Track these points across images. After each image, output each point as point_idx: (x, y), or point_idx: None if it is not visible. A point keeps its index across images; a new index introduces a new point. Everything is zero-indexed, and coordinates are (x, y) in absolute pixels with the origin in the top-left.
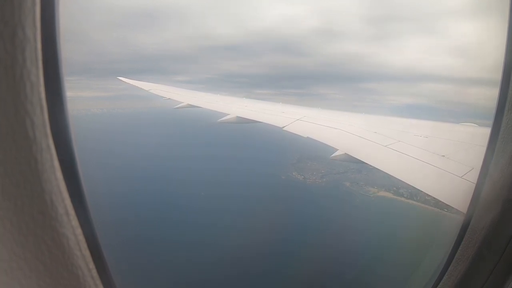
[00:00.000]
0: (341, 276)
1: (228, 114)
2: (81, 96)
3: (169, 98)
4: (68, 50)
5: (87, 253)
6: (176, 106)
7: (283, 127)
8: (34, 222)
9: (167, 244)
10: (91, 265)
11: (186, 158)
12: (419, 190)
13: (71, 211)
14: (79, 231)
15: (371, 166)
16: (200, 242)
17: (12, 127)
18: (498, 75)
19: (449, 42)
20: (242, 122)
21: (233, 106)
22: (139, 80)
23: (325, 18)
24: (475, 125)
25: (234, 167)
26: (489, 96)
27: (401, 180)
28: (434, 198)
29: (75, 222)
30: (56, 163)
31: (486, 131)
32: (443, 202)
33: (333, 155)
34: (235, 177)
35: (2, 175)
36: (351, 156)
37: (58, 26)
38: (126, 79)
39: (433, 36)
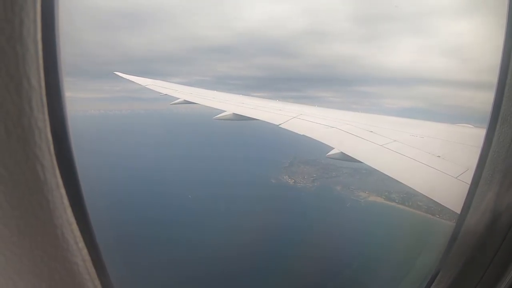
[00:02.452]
0: (327, 284)
1: (225, 111)
2: (78, 97)
3: (165, 94)
4: (64, 52)
5: (93, 271)
6: (173, 102)
7: (279, 124)
8: (47, 255)
9: (171, 253)
10: (97, 282)
11: (182, 158)
12: (414, 190)
13: (80, 240)
14: (86, 255)
15: (366, 165)
16: (193, 242)
17: (24, 173)
18: (495, 78)
19: (446, 43)
20: (238, 119)
21: (229, 103)
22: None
23: (315, 18)
24: (471, 126)
25: (226, 168)
26: (486, 99)
27: (395, 180)
28: (429, 198)
29: (83, 247)
30: (66, 200)
31: (482, 132)
32: (437, 202)
33: (329, 153)
34: (226, 178)
35: (17, 218)
36: (347, 155)
37: (61, 68)
38: (123, 74)
39: (429, 37)
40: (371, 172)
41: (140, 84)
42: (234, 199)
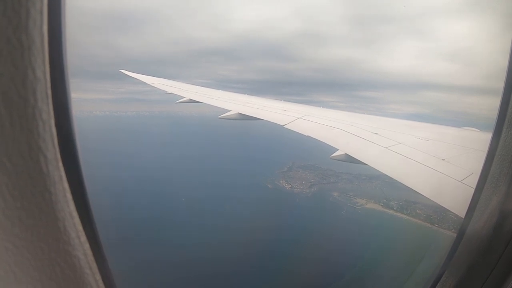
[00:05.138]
0: None
1: (230, 110)
2: (81, 98)
3: (171, 93)
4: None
5: (94, 266)
6: (178, 101)
7: (284, 125)
8: (49, 248)
9: (171, 250)
10: (98, 277)
11: (184, 159)
12: (413, 197)
13: (82, 234)
14: (88, 249)
15: (367, 170)
16: (188, 240)
17: (27, 164)
18: (500, 81)
19: (450, 46)
20: (243, 118)
21: (235, 103)
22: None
23: (313, 20)
24: (476, 130)
25: (225, 169)
26: (492, 104)
27: (398, 183)
28: (432, 201)
29: (85, 241)
30: (68, 193)
31: (487, 136)
32: (437, 210)
33: (333, 155)
34: (223, 180)
35: (19, 209)
36: (351, 156)
37: (66, 60)
38: (129, 72)
39: (432, 40)
40: (370, 178)
41: (145, 83)
42: (229, 202)
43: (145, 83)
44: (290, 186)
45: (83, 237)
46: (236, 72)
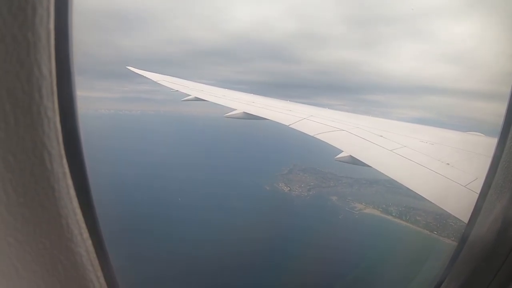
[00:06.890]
0: None
1: (235, 109)
2: (89, 96)
3: (176, 90)
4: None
5: (96, 263)
6: (184, 99)
7: (289, 125)
8: (51, 244)
9: (175, 249)
10: (100, 274)
11: (187, 157)
12: (414, 203)
13: (84, 231)
14: (90, 246)
15: (367, 175)
16: (187, 238)
17: (31, 161)
18: (507, 86)
19: (458, 50)
20: (248, 118)
21: (240, 102)
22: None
23: (316, 22)
24: (481, 134)
25: (225, 169)
26: (499, 109)
27: (403, 185)
28: (434, 207)
29: (87, 238)
30: (72, 190)
31: (493, 141)
32: (442, 212)
33: (337, 156)
34: (222, 179)
35: (22, 205)
36: (356, 158)
37: (72, 58)
38: (135, 69)
39: (439, 42)
40: (371, 182)
41: (152, 80)
42: (225, 202)
43: (150, 81)
44: (288, 188)
45: (86, 234)
46: (238, 73)
